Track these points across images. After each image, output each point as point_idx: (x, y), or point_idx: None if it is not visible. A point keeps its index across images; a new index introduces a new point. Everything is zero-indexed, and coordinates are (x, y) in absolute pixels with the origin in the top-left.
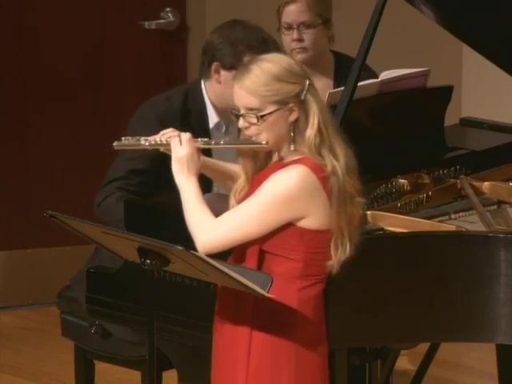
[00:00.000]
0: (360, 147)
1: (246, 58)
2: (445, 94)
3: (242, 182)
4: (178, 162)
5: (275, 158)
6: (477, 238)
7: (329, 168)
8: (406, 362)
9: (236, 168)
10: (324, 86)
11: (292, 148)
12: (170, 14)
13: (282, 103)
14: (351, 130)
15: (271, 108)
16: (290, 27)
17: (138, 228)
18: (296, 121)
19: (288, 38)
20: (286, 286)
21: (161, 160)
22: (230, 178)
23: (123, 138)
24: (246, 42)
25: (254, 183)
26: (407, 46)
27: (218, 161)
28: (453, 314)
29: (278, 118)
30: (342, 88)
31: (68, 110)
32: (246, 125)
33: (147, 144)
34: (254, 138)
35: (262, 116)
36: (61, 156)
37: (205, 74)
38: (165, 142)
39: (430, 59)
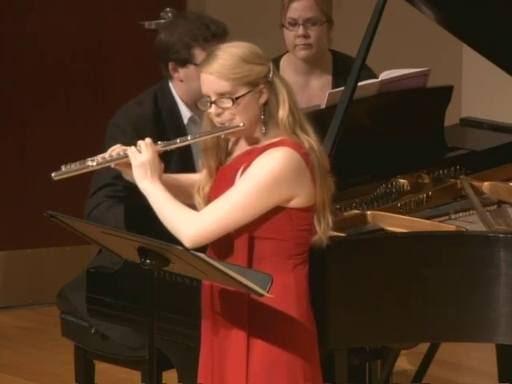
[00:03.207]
0: (360, 147)
1: (195, 50)
2: (445, 94)
3: (204, 177)
4: (140, 167)
5: (241, 145)
6: (477, 238)
7: (306, 145)
8: (405, 362)
9: (193, 178)
10: (324, 83)
11: (263, 130)
12: (169, 14)
13: (253, 85)
14: (351, 130)
15: (243, 90)
16: (295, 23)
17: (138, 229)
18: (266, 103)
19: (292, 34)
20: (280, 267)
21: None
22: (187, 193)
23: (63, 166)
24: (189, 34)
25: (221, 175)
26: (407, 46)
27: (175, 175)
28: (453, 313)
29: (251, 101)
30: (342, 88)
31: (68, 110)
32: (219, 111)
33: (95, 164)
34: (227, 124)
35: (236, 98)
36: (61, 156)
37: (167, 75)
38: (115, 157)
39: (430, 59)
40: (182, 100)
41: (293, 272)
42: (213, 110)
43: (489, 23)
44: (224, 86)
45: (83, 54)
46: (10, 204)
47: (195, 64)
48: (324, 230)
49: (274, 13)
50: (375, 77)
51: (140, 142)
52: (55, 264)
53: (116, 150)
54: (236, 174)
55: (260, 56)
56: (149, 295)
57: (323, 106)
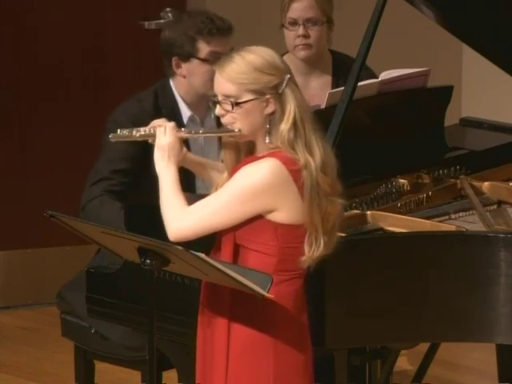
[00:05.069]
0: (360, 147)
1: (200, 44)
2: (445, 94)
3: (225, 176)
4: (159, 149)
5: (253, 151)
6: (477, 238)
7: (301, 162)
8: (405, 362)
9: (220, 162)
10: (324, 83)
11: (267, 140)
12: (169, 14)
13: (258, 93)
14: (351, 130)
15: (248, 96)
16: (295, 23)
17: (138, 229)
18: (272, 114)
19: (292, 34)
20: None
21: (138, 160)
22: (213, 169)
23: (119, 129)
24: (194, 28)
25: (231, 176)
26: (407, 46)
27: (200, 156)
28: (453, 313)
29: (254, 108)
30: (342, 88)
31: (68, 110)
32: (222, 112)
33: (138, 135)
34: (228, 127)
35: (237, 103)
36: (60, 156)
37: (169, 72)
38: (153, 132)
39: (430, 59)
40: (183, 99)
41: (275, 287)
42: (217, 110)
43: (489, 23)
44: (230, 88)
45: (83, 54)
46: (10, 204)
47: (199, 58)
48: (312, 254)
49: (273, 13)
50: (375, 77)
51: (166, 124)
52: (55, 264)
53: (156, 124)
54: (232, 177)
55: (274, 66)
56: (149, 295)
57: (323, 106)
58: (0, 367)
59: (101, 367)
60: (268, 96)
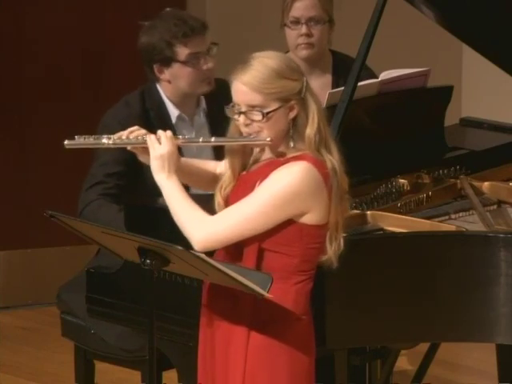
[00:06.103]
0: (360, 147)
1: (177, 48)
2: (445, 94)
3: (227, 178)
4: (158, 159)
5: (266, 155)
6: (477, 238)
7: (329, 165)
8: (405, 362)
9: (208, 167)
10: (324, 83)
11: (292, 145)
12: None
13: (284, 100)
14: (351, 130)
15: (275, 105)
16: (297, 22)
17: (138, 229)
18: (295, 118)
19: (294, 33)
20: (283, 281)
21: (132, 163)
22: (208, 180)
23: (77, 136)
24: (168, 33)
25: (242, 181)
26: (407, 46)
27: (190, 162)
28: (453, 313)
29: (280, 115)
30: (342, 88)
31: (68, 110)
32: (248, 122)
33: (111, 142)
34: (253, 135)
35: (267, 113)
36: (61, 156)
37: (153, 78)
38: (133, 140)
39: (430, 59)
40: (170, 99)
41: (294, 286)
42: (241, 120)
43: (489, 23)
44: (256, 99)
45: (83, 54)
46: (10, 204)
47: (180, 61)
48: (334, 251)
49: (274, 13)
50: (375, 77)
51: (160, 133)
52: (55, 264)
53: (135, 132)
54: (254, 185)
55: (295, 70)
56: (149, 295)
57: (323, 106)
58: (0, 367)
59: (101, 367)
60: (293, 102)
